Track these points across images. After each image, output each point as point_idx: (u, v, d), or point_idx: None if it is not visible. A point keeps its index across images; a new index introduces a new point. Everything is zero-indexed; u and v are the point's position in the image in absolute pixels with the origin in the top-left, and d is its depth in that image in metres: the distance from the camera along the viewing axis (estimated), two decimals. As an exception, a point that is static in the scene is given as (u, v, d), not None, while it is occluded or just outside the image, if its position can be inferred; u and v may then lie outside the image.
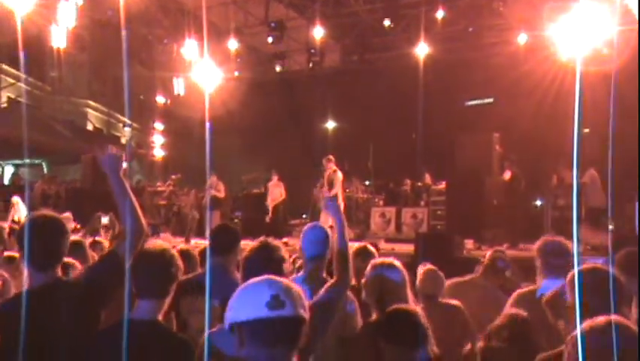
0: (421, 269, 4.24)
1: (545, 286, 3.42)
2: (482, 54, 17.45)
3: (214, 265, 3.73)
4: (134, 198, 2.83)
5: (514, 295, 3.57)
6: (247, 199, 16.72)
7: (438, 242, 9.30)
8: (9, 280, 3.40)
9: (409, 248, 10.36)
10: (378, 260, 3.48)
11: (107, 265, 2.79)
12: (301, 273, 3.52)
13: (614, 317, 1.90)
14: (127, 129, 26.04)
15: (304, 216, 17.59)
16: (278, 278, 1.99)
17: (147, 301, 2.62)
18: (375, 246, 6.81)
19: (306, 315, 1.89)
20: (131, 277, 2.64)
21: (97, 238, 5.76)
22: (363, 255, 4.10)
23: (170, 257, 2.71)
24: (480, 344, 3.30)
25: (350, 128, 19.97)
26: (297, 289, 1.95)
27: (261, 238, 2.98)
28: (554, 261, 3.47)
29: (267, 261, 2.74)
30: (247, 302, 1.89)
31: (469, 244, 10.16)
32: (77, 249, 4.25)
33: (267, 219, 15.18)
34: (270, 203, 15.07)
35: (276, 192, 15.00)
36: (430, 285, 4.09)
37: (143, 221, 2.85)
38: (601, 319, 1.90)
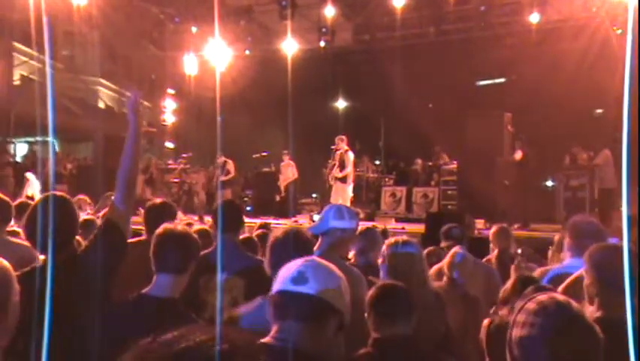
0: (451, 251, 4.25)
1: (569, 264, 3.37)
2: (494, 33, 17.26)
3: (226, 241, 3.71)
4: (140, 147, 2.98)
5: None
6: (258, 178, 16.72)
7: (449, 222, 9.18)
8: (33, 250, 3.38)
9: (419, 228, 10.35)
10: (392, 239, 3.46)
11: (106, 234, 2.81)
12: (316, 249, 3.46)
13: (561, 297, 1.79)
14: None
15: (314, 195, 17.59)
16: (319, 259, 2.00)
17: (166, 276, 2.62)
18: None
19: (333, 299, 1.88)
20: (153, 253, 2.66)
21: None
22: (367, 235, 4.13)
23: (193, 237, 2.77)
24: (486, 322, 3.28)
25: (361, 107, 19.88)
26: (332, 271, 1.95)
27: (290, 224, 2.99)
28: (587, 242, 3.41)
29: (292, 245, 2.74)
30: (280, 277, 1.93)
31: (479, 223, 10.11)
32: (89, 227, 4.27)
33: (278, 198, 15.19)
34: (282, 182, 15.08)
35: (288, 171, 15.00)
36: (452, 266, 4.08)
37: (138, 168, 3.01)
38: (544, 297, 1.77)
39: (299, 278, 1.85)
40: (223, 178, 14.46)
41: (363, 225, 4.46)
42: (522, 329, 1.66)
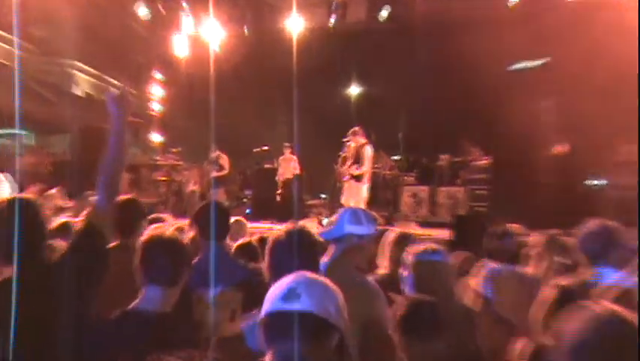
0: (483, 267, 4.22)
1: (594, 276, 3.36)
2: (531, 10, 17.17)
3: (217, 250, 3.71)
4: (125, 141, 3.03)
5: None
6: (258, 175, 16.65)
7: (478, 226, 9.21)
8: None
9: (444, 233, 10.32)
10: (417, 246, 3.44)
11: (86, 239, 2.82)
12: (325, 259, 3.45)
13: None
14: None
15: (323, 196, 17.54)
16: (308, 273, 2.00)
17: (156, 289, 2.62)
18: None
19: (330, 315, 1.89)
20: (141, 262, 2.68)
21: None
22: (404, 243, 4.09)
23: (185, 244, 2.81)
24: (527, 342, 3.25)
25: (377, 94, 19.81)
26: (326, 285, 1.98)
27: (290, 222, 2.96)
28: (592, 247, 3.43)
29: (296, 247, 2.72)
30: (269, 296, 1.97)
31: (514, 229, 10.05)
32: (65, 230, 4.27)
33: (278, 197, 15.16)
34: (280, 178, 15.02)
35: (288, 167, 14.94)
36: (486, 286, 4.05)
37: (123, 164, 3.00)
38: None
39: (290, 295, 1.88)
40: (215, 174, 14.44)
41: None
42: (574, 337, 1.67)
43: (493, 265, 4.22)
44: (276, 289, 1.95)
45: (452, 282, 3.37)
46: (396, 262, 4.10)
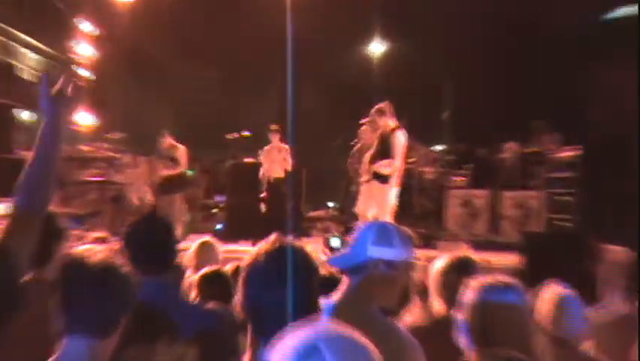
0: (548, 295, 4.18)
1: None
2: None
3: (159, 287, 3.67)
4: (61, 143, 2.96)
5: None
6: (235, 175, 16.66)
7: (562, 249, 9.21)
8: None
9: (510, 259, 10.30)
10: (482, 279, 3.39)
11: None
12: (335, 296, 3.40)
13: None
14: (33, 57, 26.19)
15: (331, 204, 17.60)
16: (331, 325, 1.93)
17: (80, 341, 2.59)
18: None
19: None
20: (61, 302, 2.64)
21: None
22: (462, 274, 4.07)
23: (124, 275, 2.75)
24: None
25: (410, 54, 19.85)
26: (356, 341, 1.87)
27: (273, 237, 2.87)
28: None
29: (285, 273, 2.65)
30: (276, 358, 1.84)
31: (615, 252, 10.05)
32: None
33: (262, 206, 15.13)
34: (265, 177, 14.98)
35: (276, 160, 14.86)
36: (564, 323, 4.02)
37: (57, 164, 2.94)
38: None
39: (309, 357, 1.79)
40: (167, 173, 14.46)
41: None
42: None
43: (560, 290, 4.22)
44: (286, 348, 1.82)
45: (531, 333, 3.32)
46: (449, 302, 4.07)
